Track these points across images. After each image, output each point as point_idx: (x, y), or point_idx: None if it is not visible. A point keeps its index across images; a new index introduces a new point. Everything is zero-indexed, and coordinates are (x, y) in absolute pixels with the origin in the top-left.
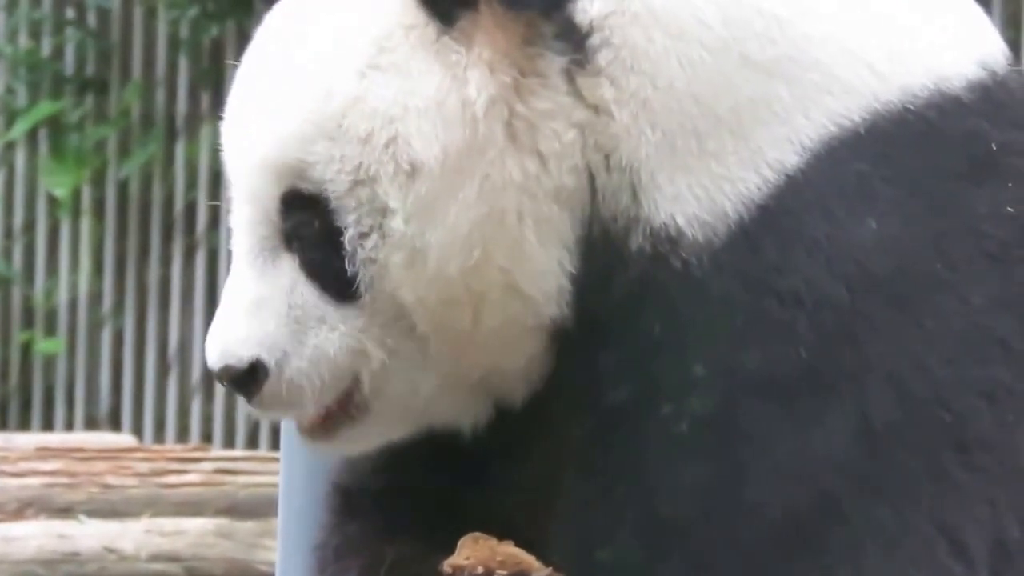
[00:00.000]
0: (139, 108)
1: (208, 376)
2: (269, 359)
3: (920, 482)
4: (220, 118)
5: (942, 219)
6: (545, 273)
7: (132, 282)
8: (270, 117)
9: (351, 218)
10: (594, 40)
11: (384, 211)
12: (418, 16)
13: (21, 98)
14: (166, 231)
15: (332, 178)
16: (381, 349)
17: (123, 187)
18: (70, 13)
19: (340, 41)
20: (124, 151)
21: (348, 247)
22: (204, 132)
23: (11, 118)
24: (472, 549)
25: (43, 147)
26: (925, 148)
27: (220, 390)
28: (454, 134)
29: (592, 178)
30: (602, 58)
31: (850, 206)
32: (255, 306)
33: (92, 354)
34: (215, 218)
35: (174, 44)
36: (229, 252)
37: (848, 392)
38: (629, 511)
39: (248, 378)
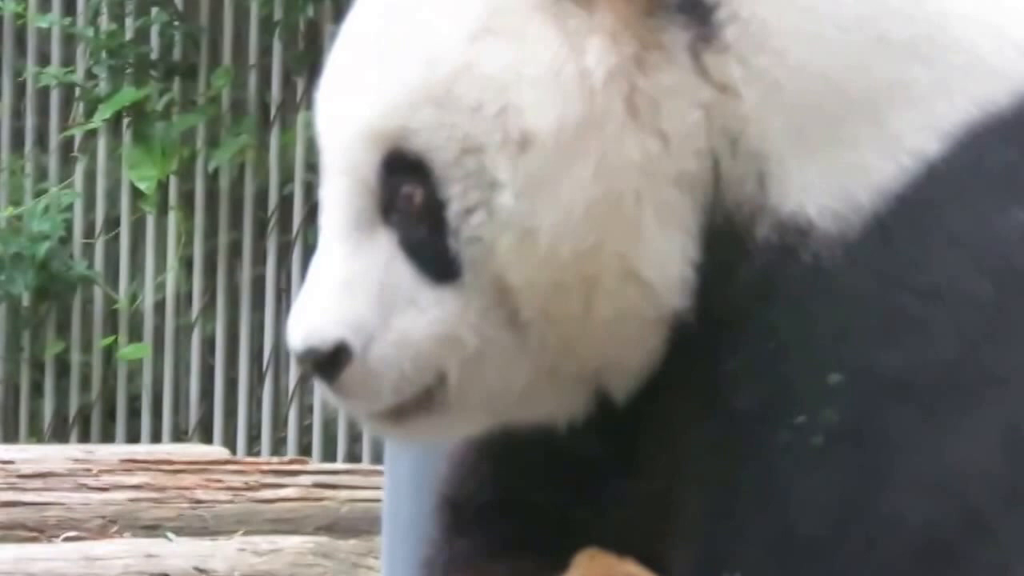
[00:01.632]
0: (229, 95)
1: (305, 383)
2: (354, 341)
3: None
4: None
5: None
6: (666, 260)
7: (223, 282)
8: (372, 84)
9: (456, 190)
10: (720, 14)
11: (492, 185)
12: None
13: (103, 84)
14: (259, 227)
15: (439, 146)
16: (475, 337)
17: (212, 179)
18: None
19: (449, 2)
20: (213, 141)
21: (452, 223)
22: (299, 120)
23: (92, 106)
24: (588, 567)
25: (126, 137)
26: None
27: (318, 398)
28: (570, 106)
29: (716, 163)
30: (729, 34)
31: (996, 197)
32: (345, 284)
33: (180, 360)
34: (312, 213)
35: (267, 26)
36: None
37: (993, 397)
38: (758, 527)
39: (331, 362)
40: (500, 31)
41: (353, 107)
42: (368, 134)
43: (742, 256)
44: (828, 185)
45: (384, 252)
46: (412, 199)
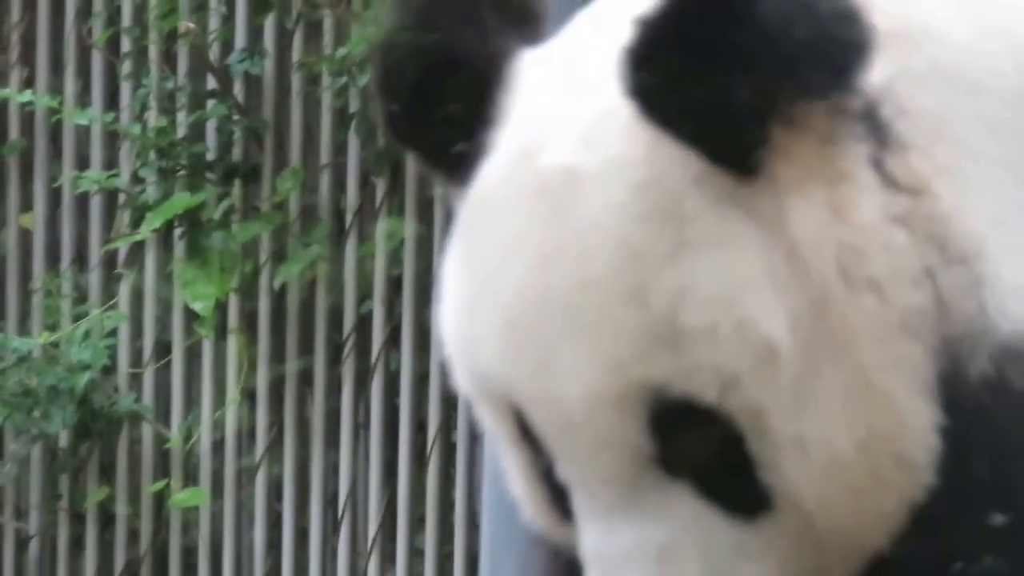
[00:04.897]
0: (298, 200)
1: (387, 531)
2: None
3: None
4: (398, 210)
5: None
6: (921, 431)
7: (291, 416)
8: (580, 343)
9: (734, 424)
10: (887, 111)
11: (759, 411)
12: (703, 165)
13: (151, 189)
14: (334, 352)
15: (694, 390)
16: (804, 568)
17: (279, 298)
18: (211, 83)
19: (626, 221)
20: (280, 253)
21: (744, 456)
22: (379, 228)
23: (139, 214)
24: None
25: (179, 250)
26: None
27: (403, 548)
28: (793, 297)
29: (934, 280)
30: (903, 129)
31: None
32: (661, 557)
33: (242, 507)
34: (394, 335)
35: (341, 120)
36: (412, 379)
37: None
38: None
39: None
40: (697, 241)
41: (569, 375)
42: (609, 400)
43: (958, 405)
44: None
45: (685, 508)
46: (700, 446)
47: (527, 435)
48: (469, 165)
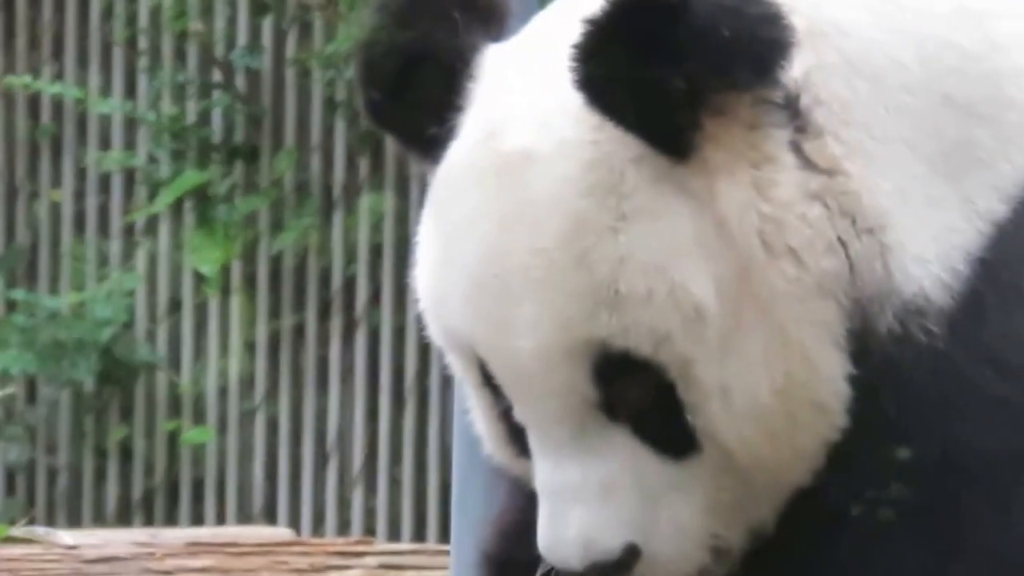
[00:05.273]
0: (292, 177)
1: (370, 464)
2: (639, 541)
3: None
4: (379, 186)
5: None
6: (833, 379)
7: (287, 365)
8: (533, 303)
9: (665, 374)
10: (804, 101)
11: (687, 363)
12: (643, 147)
13: (164, 168)
14: (323, 309)
15: (632, 345)
16: (730, 497)
17: (276, 263)
18: (216, 76)
19: (575, 195)
20: (276, 224)
21: (679, 403)
22: (363, 202)
23: (154, 189)
24: None
25: (188, 220)
26: None
27: (384, 479)
28: (720, 264)
29: (845, 249)
30: (818, 116)
31: None
32: (602, 490)
33: (244, 443)
34: (376, 294)
35: (330, 107)
36: (392, 332)
37: None
38: None
39: (620, 566)
40: (635, 215)
41: (526, 331)
42: (558, 354)
43: (868, 356)
44: (935, 253)
45: (624, 448)
46: (637, 394)
47: (489, 381)
48: (440, 146)
